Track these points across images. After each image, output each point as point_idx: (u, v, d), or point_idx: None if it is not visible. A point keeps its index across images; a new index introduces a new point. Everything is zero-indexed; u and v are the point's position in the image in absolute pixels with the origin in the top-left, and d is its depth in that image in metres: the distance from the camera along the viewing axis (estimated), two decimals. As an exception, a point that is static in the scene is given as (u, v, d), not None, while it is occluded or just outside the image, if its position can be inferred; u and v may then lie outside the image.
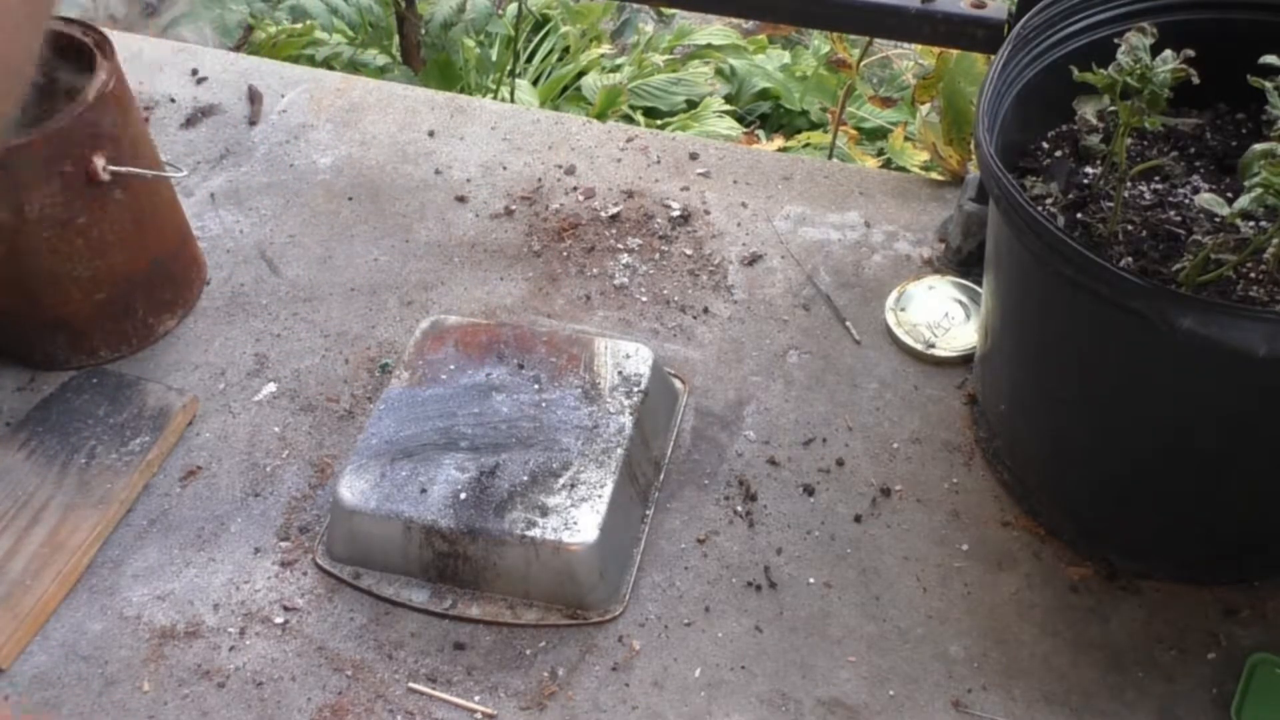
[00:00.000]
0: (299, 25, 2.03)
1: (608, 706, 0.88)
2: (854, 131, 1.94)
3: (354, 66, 1.94)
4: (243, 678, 0.89)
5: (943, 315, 1.12)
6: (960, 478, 1.01)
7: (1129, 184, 0.92)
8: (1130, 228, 0.89)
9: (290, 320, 1.15)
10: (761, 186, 1.28)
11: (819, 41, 2.34)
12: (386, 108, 1.39)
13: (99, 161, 0.98)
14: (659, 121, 2.16)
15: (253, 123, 1.37)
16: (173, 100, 1.40)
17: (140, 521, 0.99)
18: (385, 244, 1.23)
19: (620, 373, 1.00)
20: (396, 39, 2.08)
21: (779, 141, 2.00)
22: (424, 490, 0.92)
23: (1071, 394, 0.89)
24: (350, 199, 1.28)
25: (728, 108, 2.19)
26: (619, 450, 0.95)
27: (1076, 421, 0.90)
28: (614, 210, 1.25)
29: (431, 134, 1.35)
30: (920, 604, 0.93)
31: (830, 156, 1.67)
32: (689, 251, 1.21)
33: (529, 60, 2.32)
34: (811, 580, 0.95)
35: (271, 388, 1.09)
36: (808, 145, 1.93)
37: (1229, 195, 0.86)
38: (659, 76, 2.25)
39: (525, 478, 0.93)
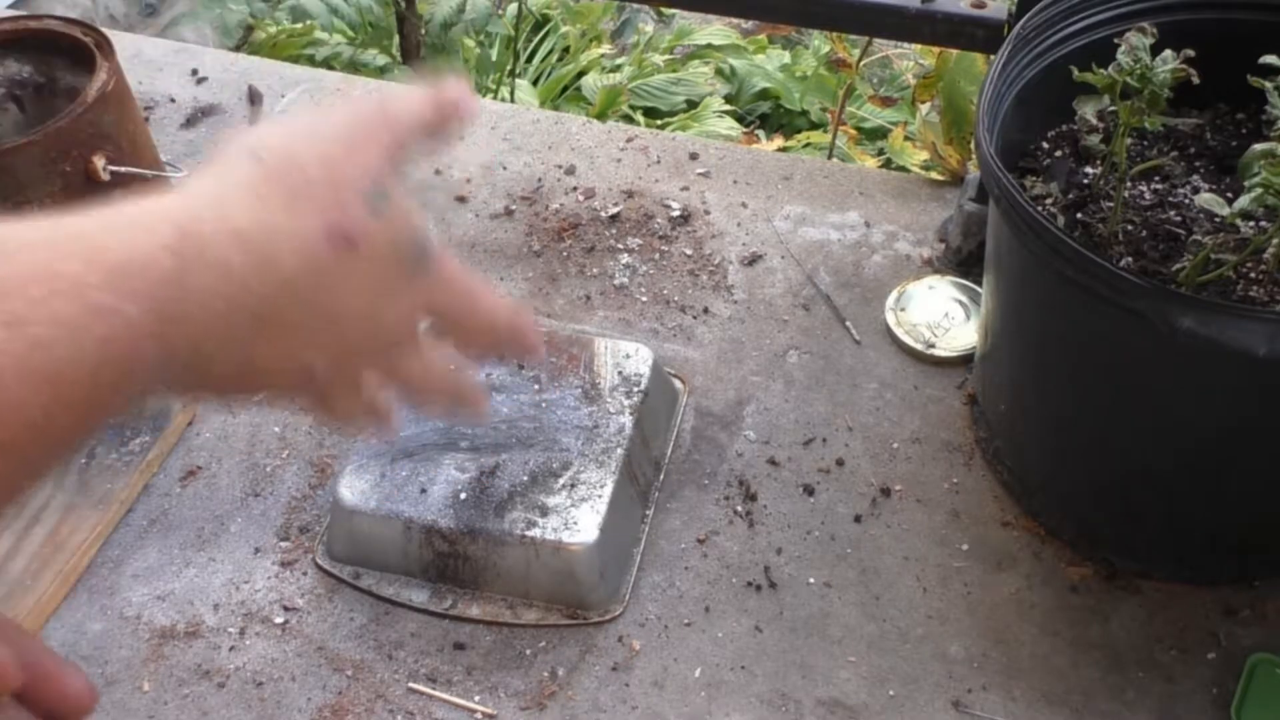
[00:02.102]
0: (299, 25, 2.03)
1: (608, 706, 0.88)
2: (854, 131, 1.94)
3: (354, 66, 1.94)
4: (243, 678, 0.89)
5: (943, 315, 1.12)
6: (960, 478, 1.01)
7: (1129, 184, 0.92)
8: (1130, 228, 0.89)
9: (290, 320, 1.15)
10: (761, 186, 1.28)
11: (819, 41, 2.34)
12: (386, 108, 1.39)
13: (99, 161, 0.98)
14: (659, 121, 2.16)
15: (253, 123, 1.37)
16: (173, 100, 1.40)
17: (140, 521, 0.99)
18: (385, 244, 1.22)
19: (620, 373, 1.00)
20: (396, 39, 2.09)
21: (779, 141, 2.00)
22: (424, 490, 0.92)
23: (1071, 394, 0.89)
24: (350, 199, 1.27)
25: (728, 108, 2.19)
26: (619, 450, 0.95)
27: (1076, 421, 0.90)
28: (614, 210, 1.25)
29: (431, 134, 1.35)
30: (920, 604, 0.93)
31: (830, 156, 1.67)
32: (689, 251, 1.21)
33: (529, 60, 2.32)
34: (811, 580, 0.95)
35: (271, 388, 1.09)
36: (808, 145, 1.93)
37: (1229, 195, 0.86)
38: (659, 76, 2.25)
39: (525, 478, 0.93)
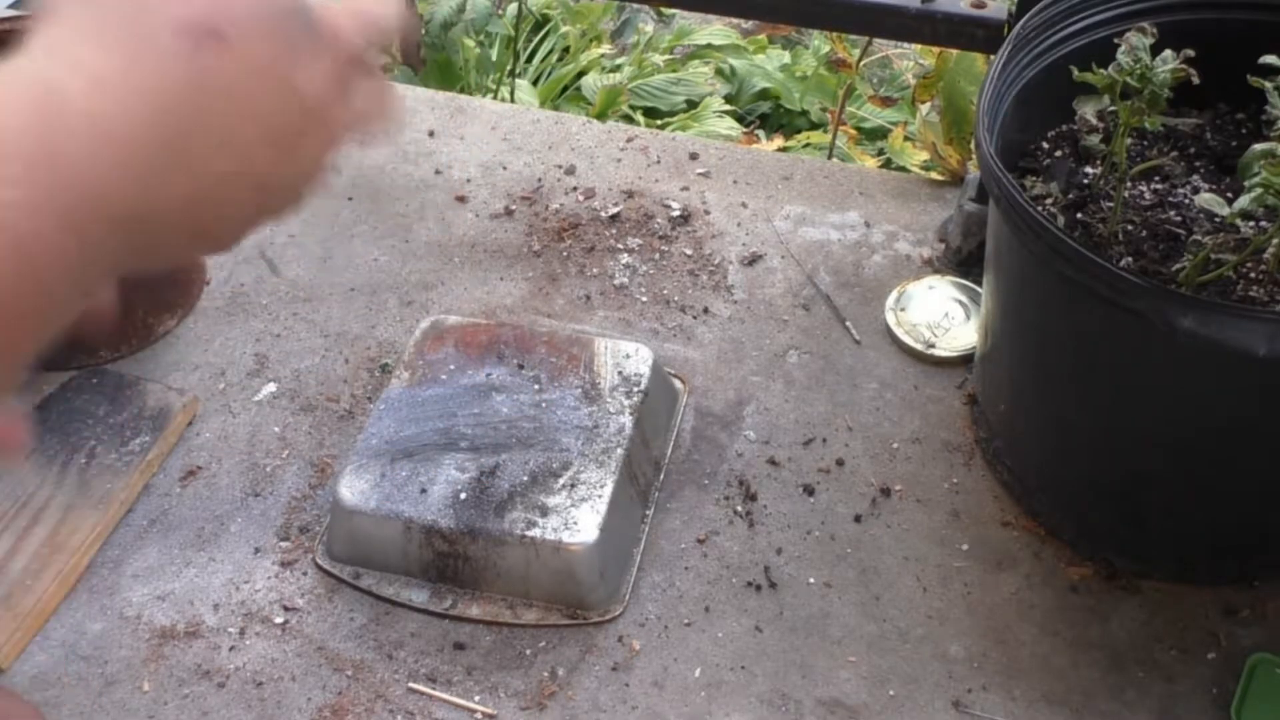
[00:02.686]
0: (299, 25, 2.02)
1: (608, 706, 0.88)
2: (854, 131, 1.94)
3: (354, 66, 1.93)
4: (243, 678, 0.89)
5: (943, 315, 1.12)
6: (960, 478, 1.01)
7: (1129, 184, 0.92)
8: (1130, 228, 0.89)
9: (290, 320, 1.15)
10: (761, 186, 1.28)
11: (819, 41, 2.34)
12: (386, 108, 1.39)
13: (99, 161, 0.98)
14: (659, 121, 2.16)
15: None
16: (173, 100, 1.40)
17: (140, 521, 0.99)
18: (385, 244, 1.23)
19: (620, 373, 1.00)
20: (396, 39, 2.08)
21: (779, 141, 2.00)
22: (424, 490, 0.92)
23: (1071, 394, 0.89)
24: (350, 199, 1.28)
25: (728, 108, 2.19)
26: (619, 450, 0.95)
27: (1076, 421, 0.90)
28: (614, 210, 1.25)
29: (431, 134, 1.35)
30: (920, 604, 0.93)
31: (830, 156, 1.67)
32: (689, 251, 1.21)
33: (529, 60, 2.32)
34: (811, 580, 0.95)
35: (271, 388, 1.09)
36: (808, 145, 1.93)
37: (1229, 195, 0.86)
38: (659, 76, 2.25)
39: (525, 478, 0.93)
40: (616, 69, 2.25)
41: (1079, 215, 0.90)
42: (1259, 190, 0.75)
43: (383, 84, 0.47)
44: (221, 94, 0.38)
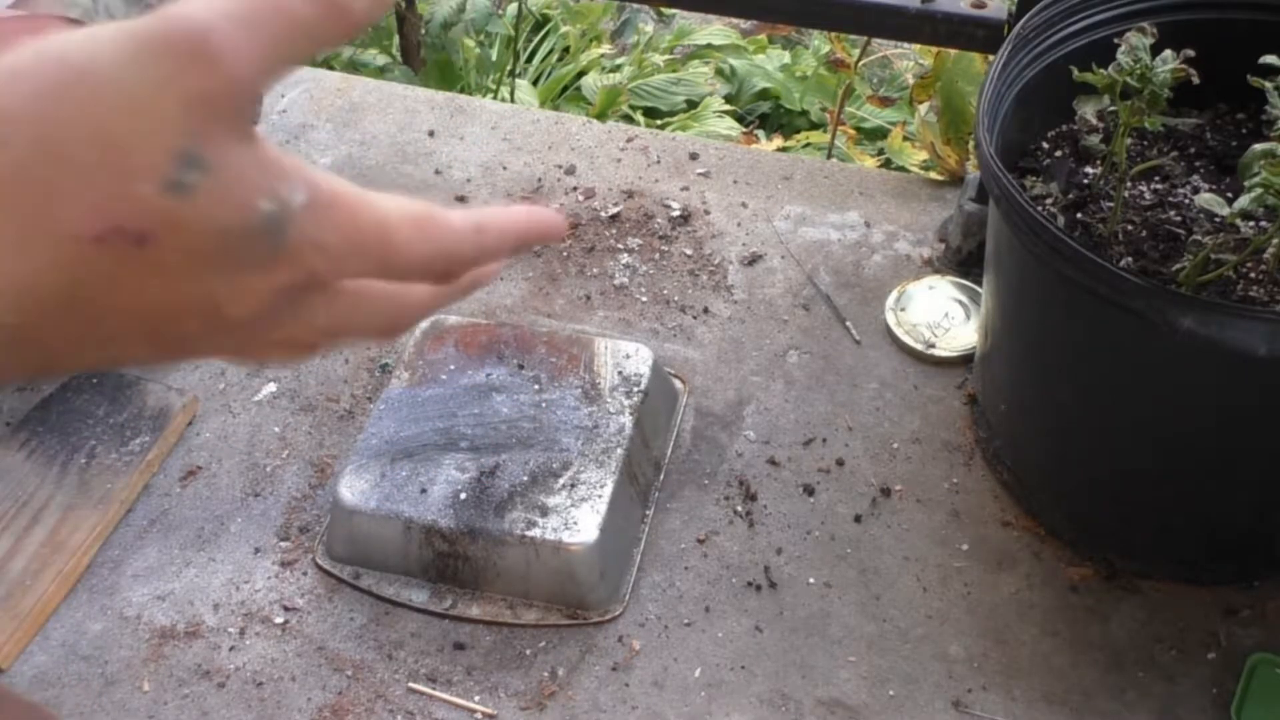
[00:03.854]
0: (299, 25, 2.02)
1: (608, 706, 0.88)
2: (853, 131, 1.94)
3: (354, 66, 1.94)
4: (243, 678, 0.89)
5: (943, 315, 1.12)
6: (960, 478, 1.01)
7: (1129, 184, 0.92)
8: (1130, 228, 0.89)
9: (290, 320, 1.15)
10: (761, 186, 1.28)
11: (819, 41, 2.34)
12: (386, 108, 1.39)
13: (99, 161, 0.98)
14: (659, 121, 2.16)
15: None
16: (173, 100, 1.40)
17: (140, 521, 0.99)
18: (385, 244, 1.22)
19: (620, 373, 1.00)
20: (396, 39, 2.08)
21: (779, 141, 2.00)
22: (424, 490, 0.92)
23: (1071, 394, 0.89)
24: (350, 199, 1.27)
25: (728, 108, 2.19)
26: (619, 450, 0.95)
27: (1076, 421, 0.90)
28: (614, 210, 1.25)
29: (431, 134, 1.35)
30: (920, 604, 0.93)
31: (829, 156, 1.67)
32: (689, 251, 1.21)
33: (529, 60, 2.32)
34: (811, 580, 0.95)
35: (271, 388, 1.09)
36: (808, 145, 1.93)
37: (1229, 195, 0.86)
38: (659, 76, 2.25)
39: (525, 478, 0.93)
40: (616, 69, 2.25)
41: (1079, 215, 0.90)
42: (1259, 190, 0.75)
43: (360, 308, 0.37)
44: (121, 293, 0.31)
